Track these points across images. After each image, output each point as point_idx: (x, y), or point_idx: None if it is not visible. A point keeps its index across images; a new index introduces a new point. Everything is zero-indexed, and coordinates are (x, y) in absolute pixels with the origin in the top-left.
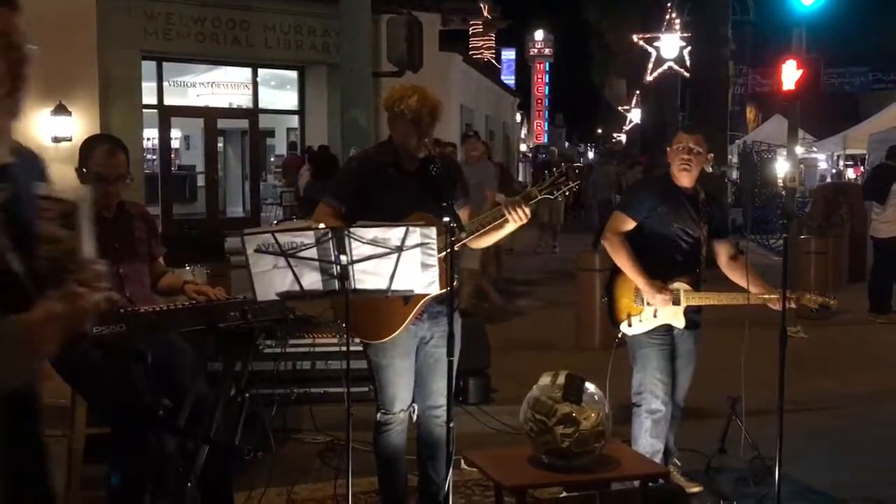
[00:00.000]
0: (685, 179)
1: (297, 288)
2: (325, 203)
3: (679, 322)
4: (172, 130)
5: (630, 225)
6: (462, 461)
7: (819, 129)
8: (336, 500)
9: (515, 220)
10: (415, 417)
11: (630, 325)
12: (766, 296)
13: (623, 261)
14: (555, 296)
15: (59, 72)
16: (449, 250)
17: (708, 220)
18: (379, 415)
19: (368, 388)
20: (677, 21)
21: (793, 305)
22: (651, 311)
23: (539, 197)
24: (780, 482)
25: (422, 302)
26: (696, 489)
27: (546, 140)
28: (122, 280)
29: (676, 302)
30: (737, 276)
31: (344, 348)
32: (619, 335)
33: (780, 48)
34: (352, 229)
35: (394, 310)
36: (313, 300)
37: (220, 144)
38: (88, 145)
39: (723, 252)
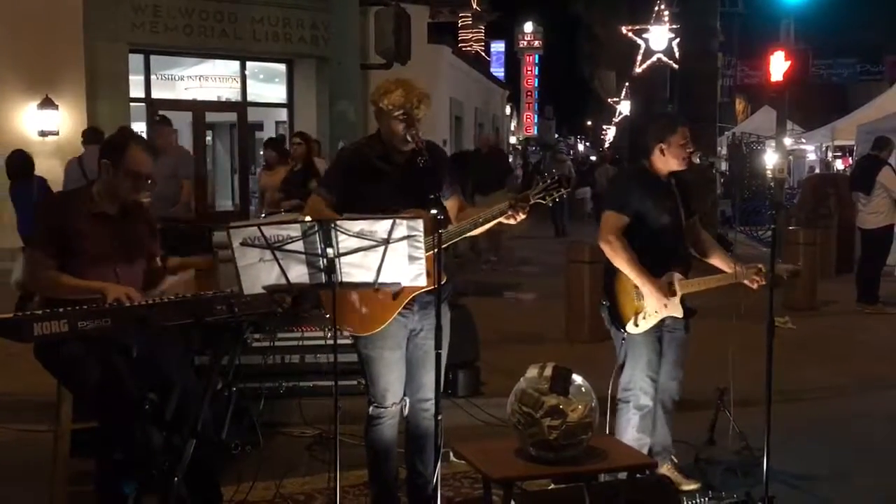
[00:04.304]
0: (669, 170)
1: (283, 281)
2: (316, 194)
3: (678, 312)
4: None
5: (625, 221)
6: (451, 454)
7: (808, 120)
8: (325, 493)
9: (514, 219)
10: (406, 411)
11: (636, 325)
12: (744, 272)
13: (622, 262)
14: (545, 288)
15: (46, 65)
16: (437, 243)
17: (682, 204)
18: (371, 408)
19: (357, 382)
20: (666, 13)
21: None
22: (653, 307)
23: (532, 201)
24: (769, 473)
25: (412, 294)
26: (692, 486)
27: (536, 132)
28: (118, 279)
29: (673, 292)
30: (708, 257)
31: (332, 342)
32: (625, 336)
33: (768, 39)
34: (338, 222)
35: (382, 301)
36: (300, 294)
37: (209, 138)
38: (121, 142)
39: (692, 230)
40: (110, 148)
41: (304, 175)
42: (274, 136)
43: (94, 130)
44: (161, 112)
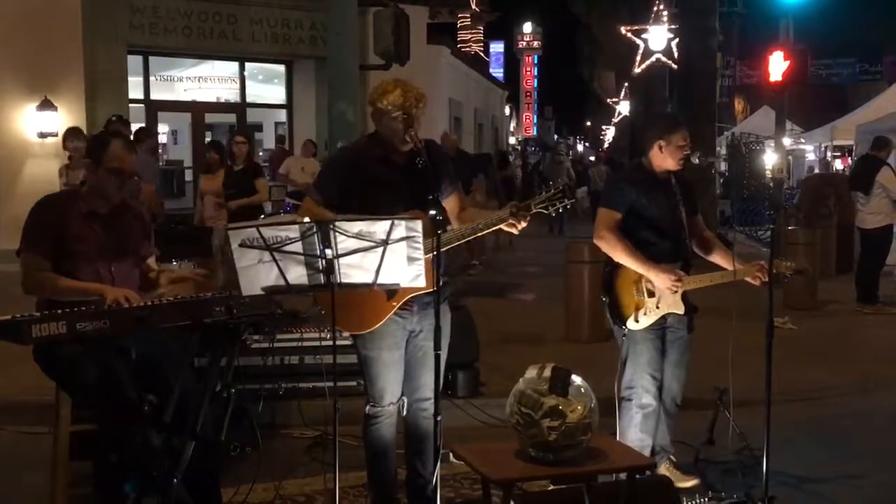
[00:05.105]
0: (666, 169)
1: (282, 282)
2: (311, 196)
3: (679, 308)
4: (159, 125)
5: (617, 217)
6: (450, 454)
7: (807, 120)
8: (324, 494)
9: (515, 228)
10: (404, 411)
11: (637, 321)
12: (747, 268)
13: (621, 254)
14: (544, 288)
15: (45, 66)
16: (436, 245)
17: (683, 202)
18: (368, 408)
19: (357, 383)
20: (665, 13)
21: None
22: (654, 303)
23: (534, 210)
24: (768, 473)
25: (408, 294)
26: (691, 483)
27: (535, 133)
28: (113, 278)
29: (677, 290)
30: (711, 255)
31: (331, 343)
32: (625, 332)
33: (767, 39)
34: (337, 223)
35: (377, 301)
36: (299, 294)
37: (208, 139)
38: (102, 140)
39: (694, 229)
40: (92, 147)
41: (249, 174)
42: (219, 138)
43: (144, 130)
44: (160, 112)
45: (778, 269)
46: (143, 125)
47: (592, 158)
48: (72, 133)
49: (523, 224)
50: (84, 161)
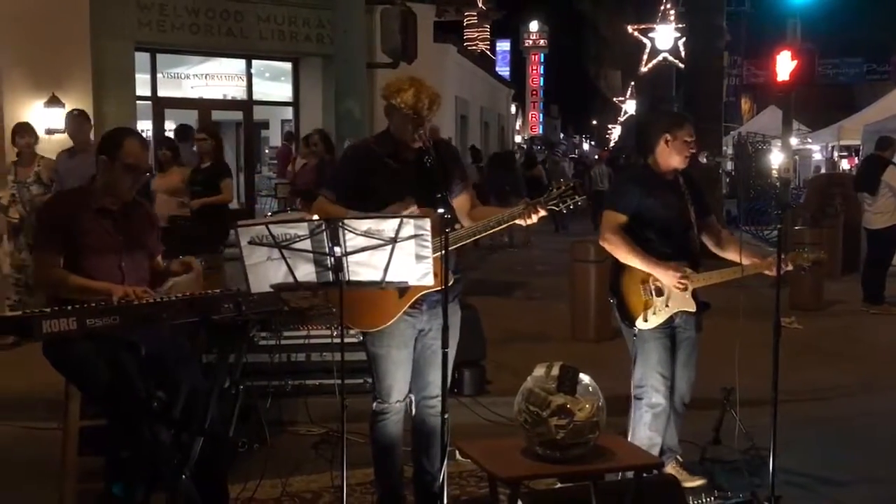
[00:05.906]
0: (671, 167)
1: (291, 280)
2: (323, 193)
3: (690, 306)
4: (166, 122)
5: (622, 219)
6: (457, 452)
7: (814, 120)
8: (331, 491)
9: (527, 221)
10: (413, 409)
11: (646, 320)
12: (760, 262)
13: (626, 255)
14: (551, 287)
15: (52, 63)
16: (444, 243)
17: (692, 202)
18: (375, 404)
19: (363, 381)
20: (672, 12)
21: (789, 267)
22: (663, 301)
23: (546, 207)
24: (775, 472)
25: (418, 293)
26: (697, 483)
27: (541, 132)
28: (123, 274)
29: (684, 287)
30: (727, 252)
31: (338, 340)
32: (636, 333)
33: (774, 39)
34: (346, 221)
35: (388, 299)
36: (307, 292)
37: None
38: (117, 136)
39: (710, 229)
40: (106, 144)
41: (214, 173)
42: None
43: (185, 127)
44: (167, 110)
45: (797, 260)
46: (184, 123)
47: (597, 157)
48: (21, 129)
49: (535, 217)
50: (101, 159)
